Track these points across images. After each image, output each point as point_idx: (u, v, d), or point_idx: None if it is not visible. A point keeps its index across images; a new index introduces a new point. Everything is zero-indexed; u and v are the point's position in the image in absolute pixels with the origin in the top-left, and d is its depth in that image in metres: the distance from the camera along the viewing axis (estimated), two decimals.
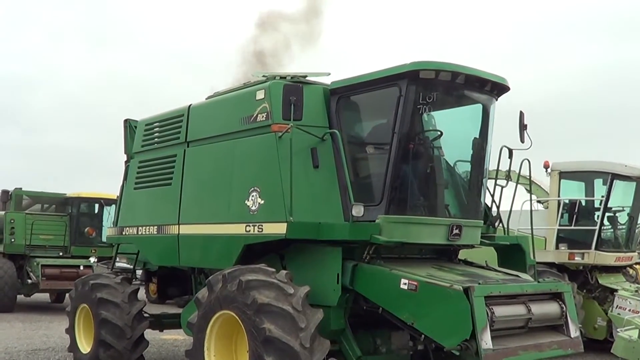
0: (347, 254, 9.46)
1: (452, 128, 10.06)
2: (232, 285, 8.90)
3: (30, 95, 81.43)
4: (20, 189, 25.85)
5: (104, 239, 25.72)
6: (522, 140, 10.60)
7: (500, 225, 11.32)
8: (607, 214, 17.22)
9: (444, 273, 9.34)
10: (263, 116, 9.89)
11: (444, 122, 9.94)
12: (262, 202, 9.72)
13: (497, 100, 10.29)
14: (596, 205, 17.68)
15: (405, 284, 8.78)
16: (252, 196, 9.85)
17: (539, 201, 18.41)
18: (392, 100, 9.39)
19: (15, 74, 79.13)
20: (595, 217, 17.26)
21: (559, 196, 17.28)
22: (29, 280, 24.37)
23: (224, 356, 9.44)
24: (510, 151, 10.61)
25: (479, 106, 10.21)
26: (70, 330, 12.96)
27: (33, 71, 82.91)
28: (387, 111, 9.54)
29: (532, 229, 11.66)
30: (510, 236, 11.36)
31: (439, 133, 9.82)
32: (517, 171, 10.68)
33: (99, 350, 11.82)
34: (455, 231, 9.72)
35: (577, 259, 16.60)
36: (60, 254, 25.20)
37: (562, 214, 17.17)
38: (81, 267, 24.38)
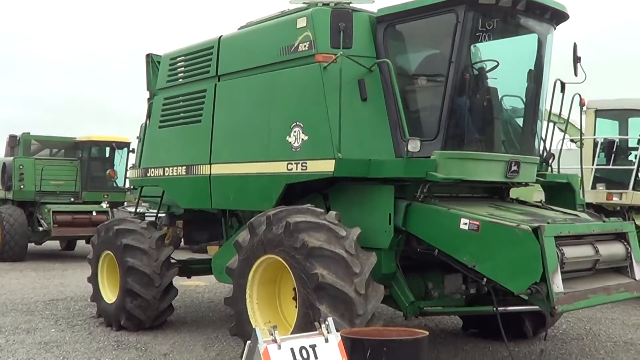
0: (398, 193, 8.83)
1: (509, 59, 9.47)
2: (278, 227, 8.26)
3: (28, 45, 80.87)
4: (29, 133, 25.13)
5: (116, 183, 25.29)
6: (576, 74, 9.97)
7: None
8: None
9: (503, 212, 8.73)
10: (305, 45, 9.17)
11: (501, 52, 9.30)
12: (306, 138, 9.05)
13: (555, 29, 9.64)
14: (630, 144, 17.07)
15: (465, 224, 8.16)
16: (295, 132, 9.18)
17: (572, 140, 17.77)
18: (448, 28, 8.71)
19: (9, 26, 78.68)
20: (633, 157, 16.61)
21: (594, 135, 16.64)
22: (40, 228, 23.80)
23: (267, 303, 8.89)
24: (563, 85, 9.97)
25: (537, 36, 9.56)
26: (93, 279, 12.22)
27: (28, 23, 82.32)
28: (442, 40, 8.91)
29: (582, 168, 11.20)
30: (562, 174, 10.73)
31: (496, 64, 9.15)
32: (568, 106, 10.11)
33: (125, 300, 11.17)
34: (514, 168, 9.11)
35: (615, 199, 15.98)
36: (72, 199, 24.52)
37: (598, 154, 16.53)
38: (94, 213, 23.75)
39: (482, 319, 10.60)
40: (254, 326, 8.61)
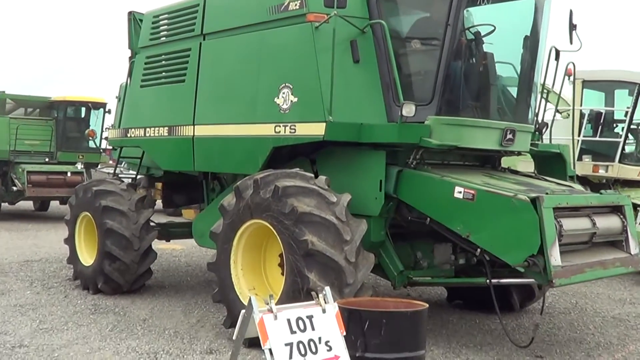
0: (389, 159, 8.54)
1: (505, 24, 9.14)
2: (266, 192, 7.96)
3: None
4: (4, 92, 24.58)
5: (91, 144, 24.83)
6: (571, 42, 9.72)
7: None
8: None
9: (498, 181, 8.48)
10: (296, 4, 8.82)
11: (497, 17, 9.01)
12: (295, 99, 8.73)
13: None
14: (616, 116, 16.84)
15: (460, 192, 7.91)
16: (283, 93, 8.84)
17: (557, 111, 17.52)
18: None
19: None
20: (620, 129, 16.40)
21: (581, 106, 16.38)
22: (14, 188, 23.35)
23: (251, 269, 8.62)
24: (558, 52, 9.71)
25: (534, 1, 9.26)
26: (70, 241, 11.89)
27: None
28: (439, 2, 8.61)
29: (573, 139, 10.88)
30: (554, 145, 10.48)
31: (492, 28, 8.87)
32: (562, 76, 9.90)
33: (103, 263, 10.84)
34: (509, 136, 8.87)
35: (601, 171, 15.79)
36: (47, 159, 24.10)
37: (584, 125, 16.30)
38: (69, 174, 23.24)
39: (467, 290, 10.39)
40: (238, 293, 8.38)
